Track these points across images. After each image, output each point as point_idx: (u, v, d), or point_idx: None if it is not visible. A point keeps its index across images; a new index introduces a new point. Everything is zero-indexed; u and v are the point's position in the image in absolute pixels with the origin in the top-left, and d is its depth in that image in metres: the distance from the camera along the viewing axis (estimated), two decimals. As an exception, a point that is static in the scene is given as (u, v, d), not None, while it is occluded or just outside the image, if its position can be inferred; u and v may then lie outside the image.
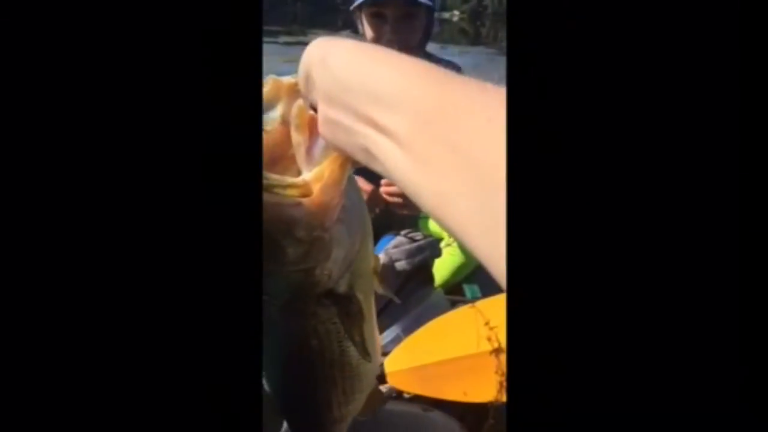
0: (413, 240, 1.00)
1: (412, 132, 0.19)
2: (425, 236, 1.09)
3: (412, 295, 0.97)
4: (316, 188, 0.25)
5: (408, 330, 0.84)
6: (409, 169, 0.19)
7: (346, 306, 0.27)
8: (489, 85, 0.19)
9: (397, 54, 0.22)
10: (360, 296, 0.28)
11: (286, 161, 0.28)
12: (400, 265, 0.94)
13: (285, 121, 0.27)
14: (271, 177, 0.25)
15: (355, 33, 1.15)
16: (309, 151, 0.26)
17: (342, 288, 0.27)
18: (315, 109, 0.25)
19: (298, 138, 0.26)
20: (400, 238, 1.01)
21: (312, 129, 0.25)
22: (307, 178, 0.25)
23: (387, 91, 0.20)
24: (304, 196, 0.25)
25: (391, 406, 0.73)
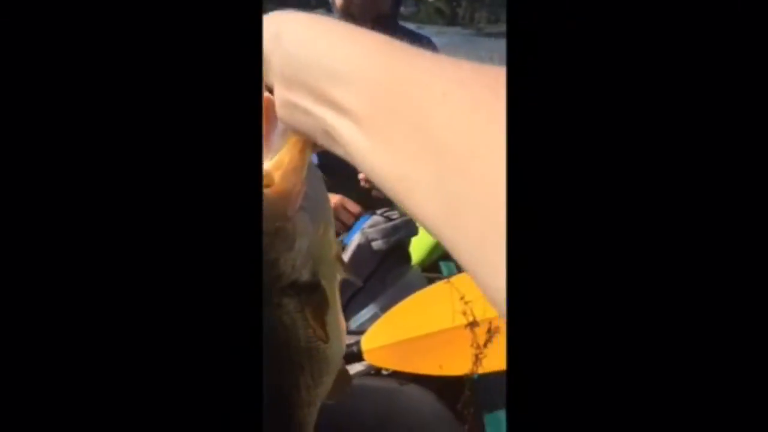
0: (389, 219, 1.01)
1: (370, 111, 0.18)
2: (401, 215, 1.09)
3: (389, 274, 0.98)
4: (276, 176, 0.24)
5: (385, 308, 0.85)
6: (368, 151, 0.18)
7: (310, 295, 0.27)
8: (456, 60, 0.18)
9: (355, 28, 0.21)
10: (324, 283, 0.28)
11: None
12: (377, 244, 0.95)
13: None
14: None
15: (327, 11, 1.12)
16: (267, 137, 0.25)
17: (305, 277, 0.27)
18: (271, 91, 0.24)
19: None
20: (376, 218, 1.01)
21: (269, 113, 0.24)
22: (267, 167, 0.24)
23: (344, 68, 0.19)
24: (265, 186, 0.24)
25: (368, 381, 0.75)
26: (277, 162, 0.24)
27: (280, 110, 0.22)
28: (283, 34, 0.21)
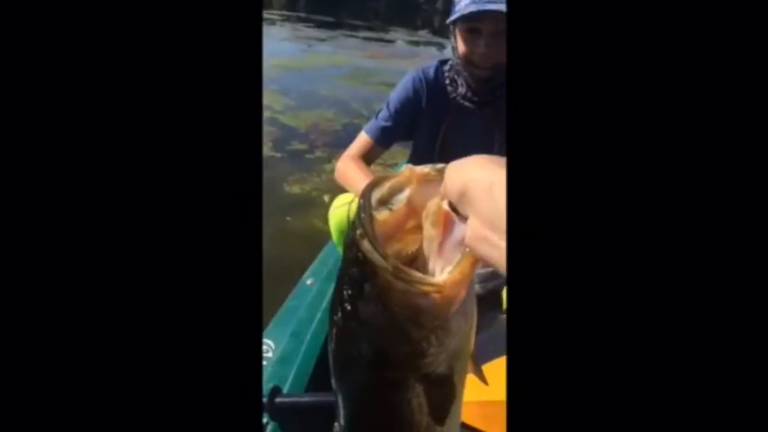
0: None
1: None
2: None
3: (482, 318, 0.98)
4: (448, 284, 0.28)
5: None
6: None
7: (443, 386, 0.30)
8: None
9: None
10: (456, 378, 0.31)
11: (402, 238, 0.31)
12: (474, 288, 0.95)
13: (409, 203, 0.31)
14: (413, 274, 0.28)
15: (432, 33, 1.18)
16: (441, 246, 0.29)
17: (442, 369, 0.30)
18: (453, 209, 0.28)
19: (432, 232, 0.29)
20: (475, 263, 1.02)
21: (446, 226, 0.29)
22: (445, 280, 0.28)
23: None
24: (437, 293, 0.28)
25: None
26: (454, 277, 0.28)
27: (474, 242, 0.27)
28: (496, 188, 0.25)
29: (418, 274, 0.28)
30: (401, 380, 0.31)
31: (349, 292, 0.30)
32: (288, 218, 2.41)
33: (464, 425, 0.79)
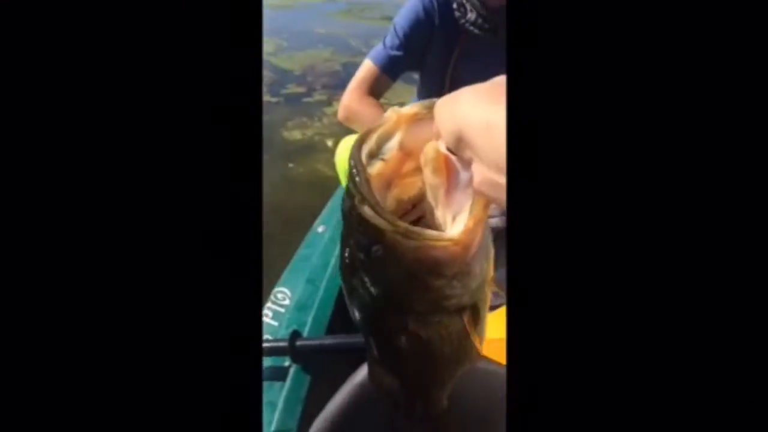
0: None
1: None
2: None
3: (500, 252, 0.97)
4: (464, 236, 0.26)
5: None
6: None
7: (469, 314, 0.30)
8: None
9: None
10: (480, 304, 0.30)
11: (400, 183, 0.30)
12: (494, 221, 0.94)
13: (402, 148, 0.29)
14: (424, 233, 0.26)
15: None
16: (448, 193, 0.27)
17: (466, 301, 0.29)
18: (450, 150, 0.26)
19: (435, 180, 0.27)
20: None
21: (449, 170, 0.27)
22: (460, 232, 0.26)
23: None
24: (454, 245, 0.26)
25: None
26: (469, 226, 0.26)
27: (484, 186, 0.24)
28: (494, 128, 0.22)
29: (429, 232, 0.27)
30: (427, 319, 0.30)
31: (360, 257, 0.29)
32: (291, 165, 2.38)
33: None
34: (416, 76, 1.17)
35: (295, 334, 0.84)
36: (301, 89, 3.16)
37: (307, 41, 3.96)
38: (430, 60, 1.07)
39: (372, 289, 0.30)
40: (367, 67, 1.07)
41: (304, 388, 0.82)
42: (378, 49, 1.07)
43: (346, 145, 1.14)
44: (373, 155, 0.29)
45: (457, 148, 0.25)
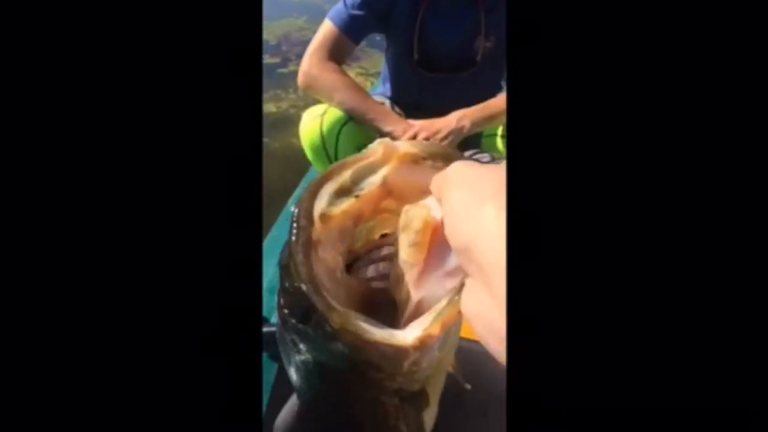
0: (480, 162, 0.98)
1: None
2: (492, 157, 1.05)
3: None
4: (420, 344, 0.22)
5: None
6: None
7: (415, 400, 0.26)
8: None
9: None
10: (429, 390, 0.27)
11: (376, 219, 0.25)
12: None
13: (386, 185, 0.24)
14: (373, 334, 0.22)
15: None
16: (422, 276, 0.22)
17: (415, 388, 0.26)
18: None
19: (413, 257, 0.22)
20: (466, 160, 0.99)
21: (432, 251, 0.22)
22: (416, 338, 0.22)
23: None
24: (407, 349, 0.22)
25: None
26: (432, 329, 0.22)
27: (475, 322, 0.21)
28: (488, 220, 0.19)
29: (377, 333, 0.22)
30: (363, 395, 0.26)
31: (292, 321, 0.25)
32: (266, 139, 2.33)
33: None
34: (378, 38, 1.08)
35: (262, 321, 0.81)
36: (275, 60, 3.06)
37: (279, 10, 3.81)
38: (394, 20, 0.98)
39: (304, 355, 0.26)
40: (326, 29, 0.98)
41: (272, 375, 0.78)
42: (338, 9, 0.98)
43: (310, 115, 1.05)
44: (346, 192, 0.24)
45: (459, 256, 0.20)
